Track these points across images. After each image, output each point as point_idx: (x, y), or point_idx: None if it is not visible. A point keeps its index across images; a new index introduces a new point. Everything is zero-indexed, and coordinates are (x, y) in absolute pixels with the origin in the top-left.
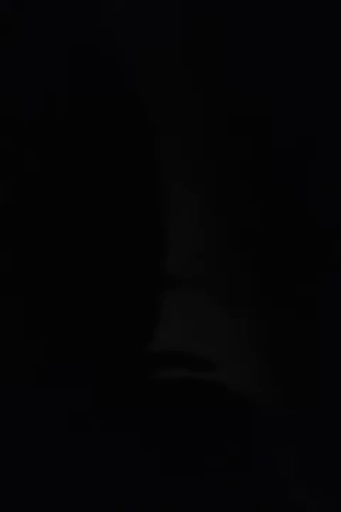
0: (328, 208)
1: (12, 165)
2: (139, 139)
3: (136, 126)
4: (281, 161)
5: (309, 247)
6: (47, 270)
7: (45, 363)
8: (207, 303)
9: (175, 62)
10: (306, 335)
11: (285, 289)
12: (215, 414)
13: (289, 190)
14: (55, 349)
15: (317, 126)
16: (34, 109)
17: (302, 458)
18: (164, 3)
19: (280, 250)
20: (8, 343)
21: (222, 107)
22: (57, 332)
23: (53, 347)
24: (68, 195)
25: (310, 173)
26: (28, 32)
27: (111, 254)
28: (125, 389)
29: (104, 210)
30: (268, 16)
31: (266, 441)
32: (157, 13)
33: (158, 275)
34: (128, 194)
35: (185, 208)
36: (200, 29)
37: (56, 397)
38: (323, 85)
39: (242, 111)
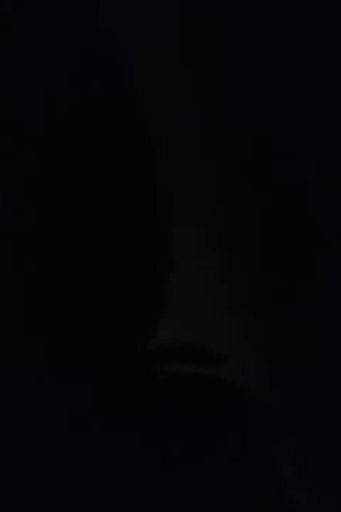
0: (328, 208)
1: (12, 165)
2: (139, 138)
3: (136, 125)
4: (281, 161)
5: (309, 247)
6: (47, 269)
7: (45, 363)
8: (207, 303)
9: (175, 62)
10: (306, 335)
11: (285, 289)
12: (216, 410)
13: (289, 190)
14: (55, 349)
15: (317, 126)
16: (34, 109)
17: (302, 457)
18: (164, 3)
19: (280, 250)
20: (8, 343)
21: (222, 107)
22: (57, 331)
23: (53, 346)
24: (68, 194)
25: (310, 173)
26: (28, 32)
27: (111, 252)
28: (126, 385)
29: (103, 207)
30: (268, 16)
31: (265, 437)
32: (157, 13)
33: (158, 272)
34: (128, 192)
35: (184, 208)
36: (200, 29)
37: (56, 397)
38: (323, 85)
39: (242, 110)
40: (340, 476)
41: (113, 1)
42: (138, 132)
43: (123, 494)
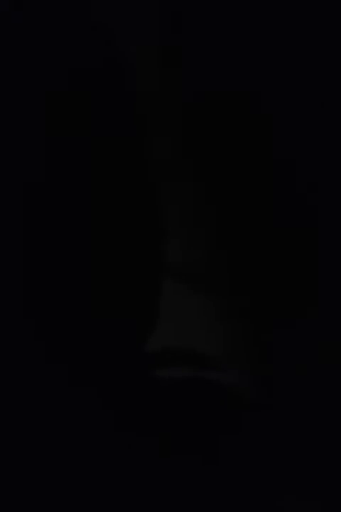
0: (328, 207)
1: (14, 167)
2: (138, 137)
3: (134, 125)
4: (281, 160)
5: (309, 247)
6: (48, 269)
7: (44, 364)
8: (206, 304)
9: (174, 62)
10: (306, 334)
11: (285, 290)
12: (210, 412)
13: (289, 189)
14: (55, 348)
15: (318, 126)
16: (34, 109)
17: (297, 459)
18: (164, 3)
19: (280, 250)
20: (8, 342)
21: (222, 107)
22: (58, 331)
23: (54, 346)
24: (69, 192)
25: (310, 172)
26: (28, 32)
27: (111, 252)
28: (127, 387)
29: (100, 209)
30: (268, 15)
31: (258, 439)
32: (156, 12)
33: (157, 272)
34: (127, 192)
35: (183, 209)
36: (200, 29)
37: (56, 397)
38: (323, 85)
39: (242, 110)
40: (336, 481)
41: (113, 1)
42: (137, 130)
43: (122, 494)
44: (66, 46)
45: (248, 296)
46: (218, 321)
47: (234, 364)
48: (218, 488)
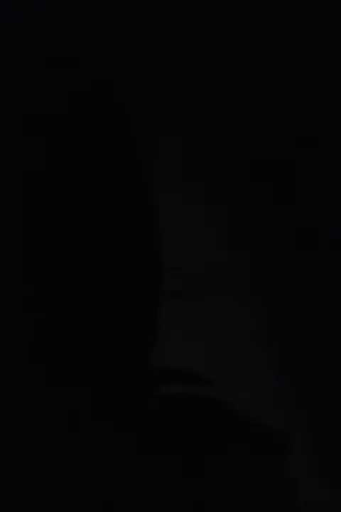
0: (329, 206)
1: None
2: (134, 144)
3: (133, 127)
4: (281, 161)
5: (309, 248)
6: (48, 282)
7: (46, 367)
8: (207, 315)
9: (174, 66)
10: (306, 340)
11: (286, 294)
12: (214, 430)
13: (289, 191)
14: (57, 358)
15: (317, 126)
16: (33, 109)
17: (310, 459)
18: (164, 4)
19: (279, 252)
20: (9, 348)
21: (221, 108)
22: (56, 347)
23: (55, 356)
24: (63, 206)
25: (310, 172)
26: (28, 32)
27: (110, 267)
28: (127, 404)
29: (98, 221)
30: (268, 16)
31: (270, 458)
32: (156, 15)
33: (155, 289)
34: (126, 202)
35: (183, 217)
36: (199, 31)
37: (56, 397)
38: (323, 85)
39: (241, 110)
40: None
41: (113, 3)
42: (134, 135)
43: (121, 495)
44: (65, 47)
45: (249, 308)
46: (218, 339)
47: (233, 382)
48: (218, 489)
